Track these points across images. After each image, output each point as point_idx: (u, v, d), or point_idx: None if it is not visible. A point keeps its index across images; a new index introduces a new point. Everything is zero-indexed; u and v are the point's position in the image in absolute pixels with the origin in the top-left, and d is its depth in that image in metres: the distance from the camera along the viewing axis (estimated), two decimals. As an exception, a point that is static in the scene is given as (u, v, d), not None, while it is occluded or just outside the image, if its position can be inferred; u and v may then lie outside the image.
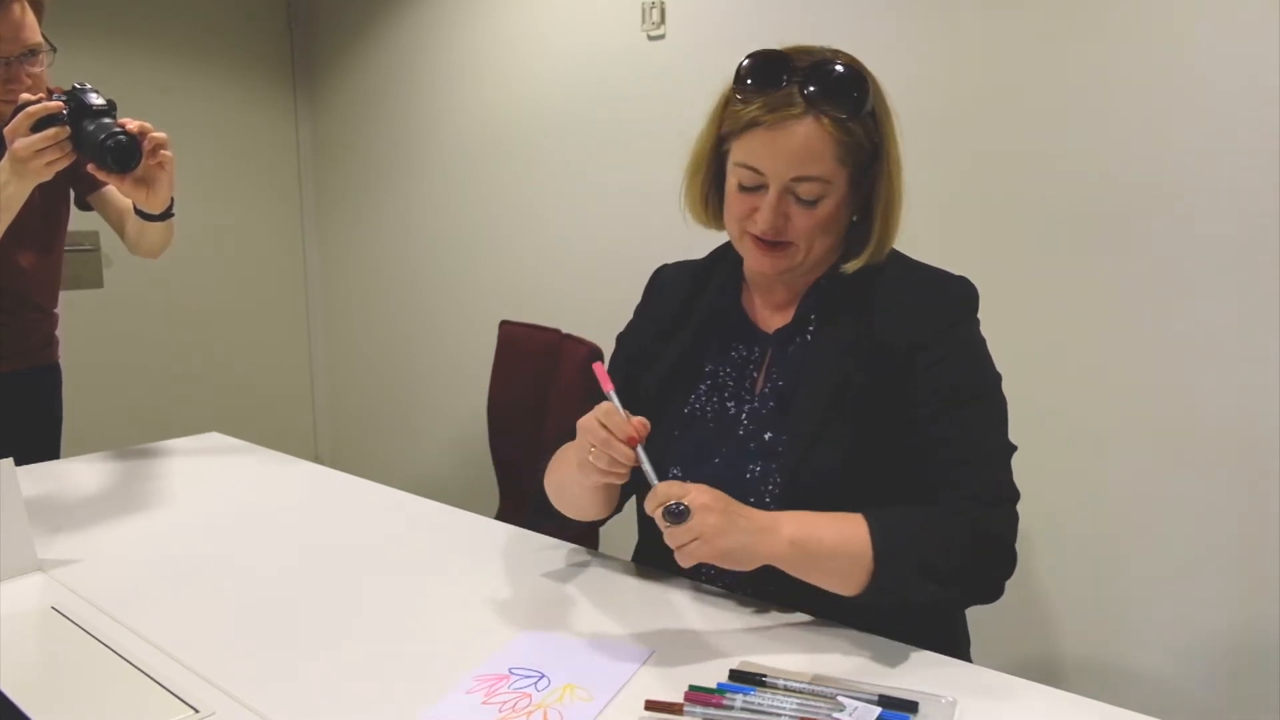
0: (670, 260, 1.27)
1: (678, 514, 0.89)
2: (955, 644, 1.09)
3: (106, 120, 1.33)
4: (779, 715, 0.80)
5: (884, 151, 1.02)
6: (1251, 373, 1.67)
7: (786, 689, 0.83)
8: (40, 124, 1.31)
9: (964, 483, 0.99)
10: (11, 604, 1.06)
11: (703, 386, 1.13)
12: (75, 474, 1.57)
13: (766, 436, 1.06)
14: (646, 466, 0.94)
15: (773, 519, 0.94)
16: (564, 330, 2.07)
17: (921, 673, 0.90)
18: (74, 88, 1.36)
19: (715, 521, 0.89)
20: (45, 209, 1.64)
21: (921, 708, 0.82)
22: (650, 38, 2.49)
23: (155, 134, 1.38)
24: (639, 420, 0.97)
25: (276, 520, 1.36)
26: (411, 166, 3.28)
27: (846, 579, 0.94)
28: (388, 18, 3.27)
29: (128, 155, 1.35)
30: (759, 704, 0.81)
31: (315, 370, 3.86)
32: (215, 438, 1.82)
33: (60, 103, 1.33)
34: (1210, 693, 1.77)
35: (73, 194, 1.73)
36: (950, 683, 0.88)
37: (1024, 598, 1.96)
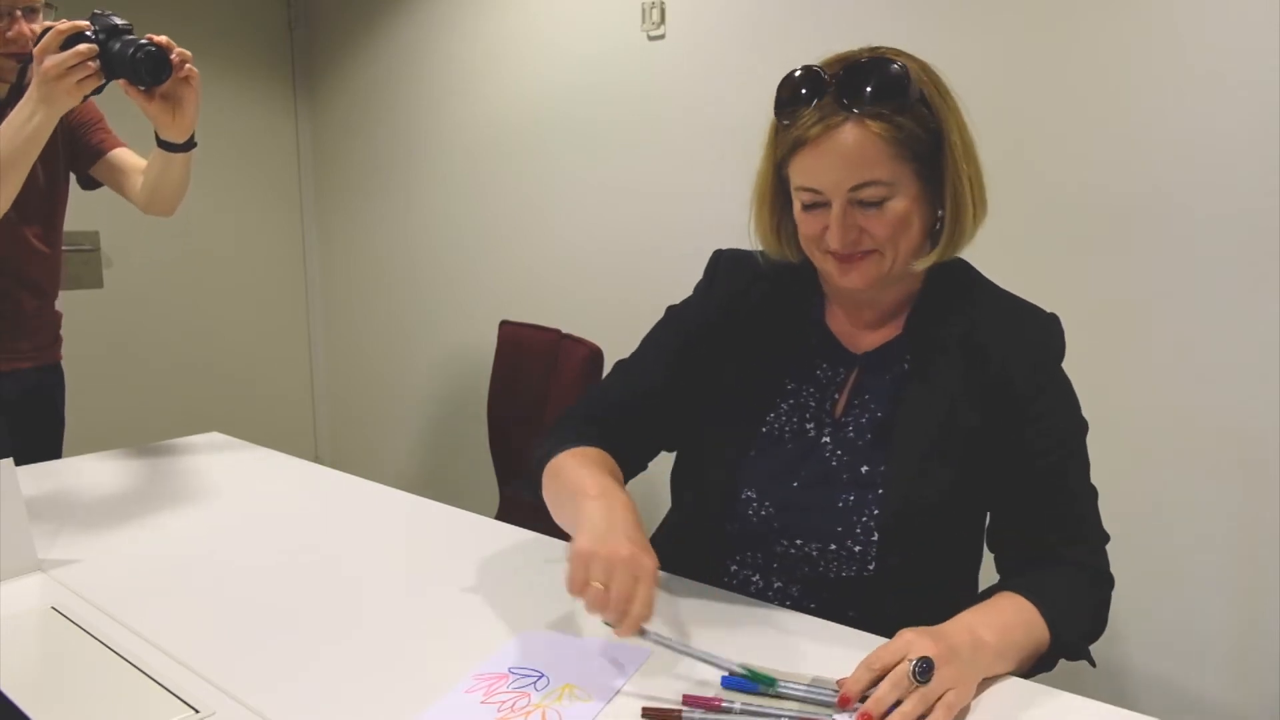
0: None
1: (926, 670, 0.79)
2: None
3: (131, 37, 1.33)
4: (778, 717, 0.79)
5: (945, 139, 0.97)
6: (1251, 373, 1.67)
7: (786, 691, 0.83)
8: (68, 43, 1.30)
9: (1085, 535, 1.03)
10: (11, 604, 1.06)
11: (784, 405, 1.08)
12: (75, 474, 1.57)
13: (863, 469, 1.03)
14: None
15: (970, 634, 0.86)
16: (564, 330, 2.07)
17: (921, 673, 0.90)
18: (94, 14, 1.34)
19: (956, 669, 0.82)
20: (45, 187, 1.63)
21: (921, 708, 0.82)
22: (650, 38, 2.49)
23: (180, 50, 1.38)
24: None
25: (276, 520, 1.36)
26: (411, 166, 3.28)
27: (1027, 663, 0.94)
28: (387, 18, 3.27)
29: (159, 65, 1.35)
30: (758, 706, 0.81)
31: (315, 370, 3.86)
32: (215, 437, 1.82)
33: (87, 22, 1.33)
34: (1211, 693, 1.77)
35: (73, 178, 1.71)
36: (950, 683, 0.88)
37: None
